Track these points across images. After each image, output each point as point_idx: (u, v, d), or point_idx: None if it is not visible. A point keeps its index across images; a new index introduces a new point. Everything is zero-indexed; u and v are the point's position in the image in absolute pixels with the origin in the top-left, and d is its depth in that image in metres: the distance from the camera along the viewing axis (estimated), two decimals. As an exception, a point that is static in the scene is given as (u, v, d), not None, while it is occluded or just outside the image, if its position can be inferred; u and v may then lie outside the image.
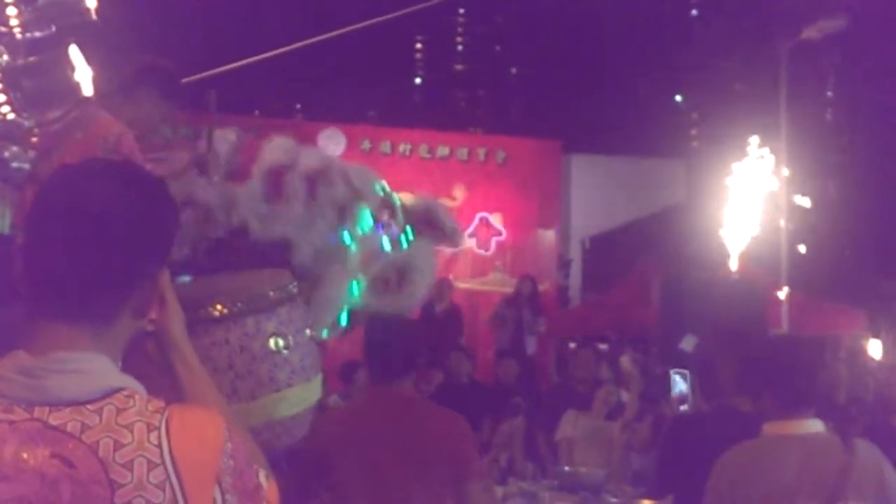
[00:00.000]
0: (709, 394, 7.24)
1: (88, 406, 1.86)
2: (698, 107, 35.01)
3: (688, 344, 11.75)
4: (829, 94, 33.05)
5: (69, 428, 1.83)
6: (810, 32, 18.85)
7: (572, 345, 16.71)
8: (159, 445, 1.85)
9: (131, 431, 1.84)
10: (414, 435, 5.09)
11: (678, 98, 36.66)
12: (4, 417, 1.83)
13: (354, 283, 4.08)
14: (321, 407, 5.15)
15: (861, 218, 27.89)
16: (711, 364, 7.03)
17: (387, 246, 4.18)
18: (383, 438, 5.07)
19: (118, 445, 1.82)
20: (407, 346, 5.30)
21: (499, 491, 7.96)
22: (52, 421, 1.83)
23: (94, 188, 1.98)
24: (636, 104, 33.29)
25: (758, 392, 4.25)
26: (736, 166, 19.63)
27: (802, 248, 20.05)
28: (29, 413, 1.84)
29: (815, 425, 4.13)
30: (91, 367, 1.91)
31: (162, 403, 1.93)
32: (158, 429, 1.86)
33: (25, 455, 1.80)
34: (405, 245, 4.26)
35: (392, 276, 4.23)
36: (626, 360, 12.04)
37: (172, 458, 1.85)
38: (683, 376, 9.39)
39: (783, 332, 14.73)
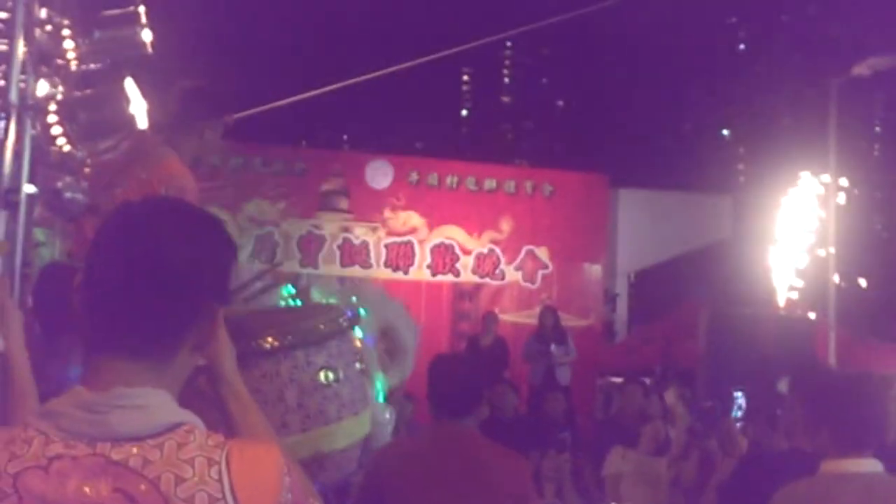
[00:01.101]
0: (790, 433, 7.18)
1: (149, 441, 1.87)
2: (745, 141, 34.86)
3: (783, 386, 11.72)
4: (878, 129, 32.87)
5: (131, 463, 1.84)
6: (860, 69, 18.80)
7: (618, 379, 16.64)
8: (220, 480, 1.86)
9: (192, 466, 1.85)
10: (475, 475, 5.05)
11: (725, 132, 36.51)
12: (66, 453, 1.85)
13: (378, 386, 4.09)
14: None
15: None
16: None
17: (361, 335, 4.16)
18: (444, 476, 5.03)
19: (179, 480, 1.84)
20: (471, 385, 5.28)
21: (545, 526, 7.91)
22: (114, 456, 1.85)
23: (155, 226, 2.01)
24: (683, 138, 33.22)
25: (815, 430, 4.16)
26: (784, 201, 19.57)
27: (847, 283, 19.94)
28: (91, 448, 1.86)
29: (873, 465, 4.03)
30: (152, 402, 1.93)
31: (221, 438, 1.94)
32: (219, 463, 1.87)
33: (88, 490, 1.82)
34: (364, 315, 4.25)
35: (387, 348, 4.24)
36: (670, 395, 11.99)
37: (233, 492, 1.86)
38: (744, 396, 9.37)
39: (838, 369, 14.59)
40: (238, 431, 2.29)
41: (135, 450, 1.86)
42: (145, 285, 1.96)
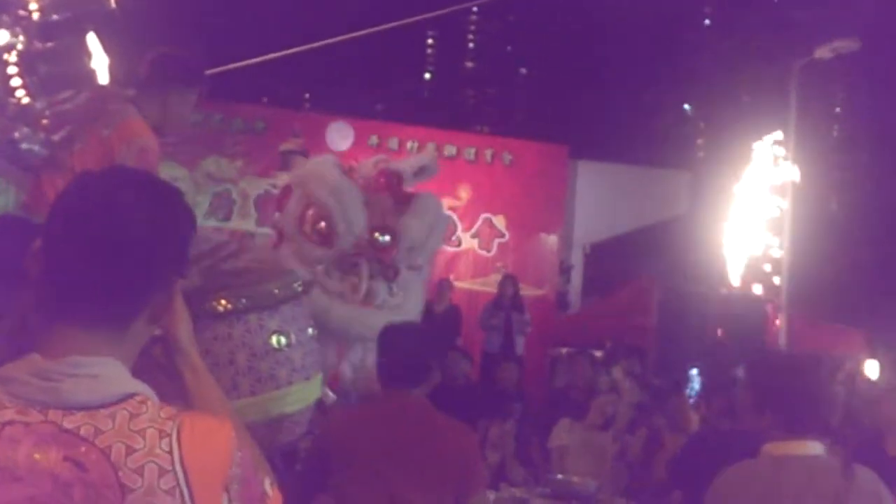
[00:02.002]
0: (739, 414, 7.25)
1: (102, 410, 1.88)
2: (706, 118, 34.97)
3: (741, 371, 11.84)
4: (837, 110, 33.06)
5: (82, 432, 1.85)
6: (823, 52, 18.92)
7: (567, 351, 16.71)
8: (170, 452, 1.87)
9: (143, 437, 1.86)
10: (422, 444, 5.08)
11: (686, 108, 36.55)
12: (19, 419, 1.86)
13: None
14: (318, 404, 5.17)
15: (863, 236, 27.89)
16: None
17: None
18: (391, 445, 5.06)
19: (130, 450, 1.85)
20: (421, 356, 5.29)
21: (490, 496, 7.94)
22: (66, 424, 1.85)
23: (115, 197, 2.01)
24: (644, 113, 33.24)
25: (759, 412, 4.16)
26: (741, 174, 19.66)
27: (801, 263, 20.04)
28: (43, 415, 1.86)
29: (814, 447, 4.04)
30: (106, 371, 1.93)
31: (174, 410, 1.95)
32: (170, 435, 1.88)
33: (38, 456, 1.83)
34: None
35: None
36: (617, 371, 12.07)
37: (183, 465, 1.87)
38: (699, 373, 9.43)
39: (784, 350, 14.72)
40: (192, 402, 2.30)
41: (87, 419, 1.86)
42: (103, 257, 1.96)
